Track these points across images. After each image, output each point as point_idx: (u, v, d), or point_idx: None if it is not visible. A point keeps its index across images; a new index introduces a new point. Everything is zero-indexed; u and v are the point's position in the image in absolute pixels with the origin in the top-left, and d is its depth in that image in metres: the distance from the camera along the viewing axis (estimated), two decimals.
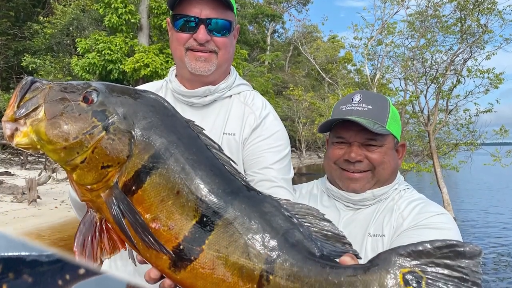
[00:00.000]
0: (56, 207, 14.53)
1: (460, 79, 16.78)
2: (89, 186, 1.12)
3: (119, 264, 1.88)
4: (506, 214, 18.16)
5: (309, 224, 1.13)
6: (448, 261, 0.96)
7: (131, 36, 21.44)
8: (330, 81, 24.72)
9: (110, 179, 1.11)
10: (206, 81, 1.91)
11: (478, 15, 15.87)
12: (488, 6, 15.68)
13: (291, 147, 2.09)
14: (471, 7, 15.77)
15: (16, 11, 28.66)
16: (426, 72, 17.34)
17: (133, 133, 1.11)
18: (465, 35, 16.32)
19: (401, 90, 19.12)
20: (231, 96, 1.99)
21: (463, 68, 16.90)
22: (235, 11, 1.93)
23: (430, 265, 0.96)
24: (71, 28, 27.07)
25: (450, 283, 0.95)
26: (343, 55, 35.41)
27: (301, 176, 28.07)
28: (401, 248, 1.00)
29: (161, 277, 1.14)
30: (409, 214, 1.73)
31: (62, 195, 15.80)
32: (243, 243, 1.07)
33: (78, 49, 21.04)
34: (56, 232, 11.99)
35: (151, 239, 1.07)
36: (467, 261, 0.95)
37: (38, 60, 24.58)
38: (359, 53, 20.05)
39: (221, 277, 1.06)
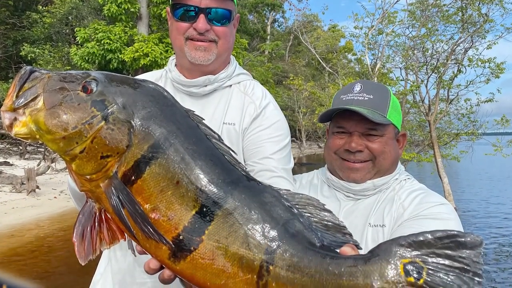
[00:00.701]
0: (55, 197, 14.57)
1: (461, 69, 16.75)
2: (88, 176, 1.11)
3: (118, 255, 1.88)
4: (507, 204, 18.17)
5: (309, 214, 1.12)
6: (449, 252, 0.95)
7: (130, 25, 21.30)
8: (331, 70, 24.62)
9: (109, 169, 1.10)
10: (205, 70, 1.90)
11: (479, 4, 15.79)
12: None
13: (291, 137, 2.08)
14: None
15: (15, 0, 28.50)
16: (427, 62, 17.30)
17: (133, 123, 1.11)
18: (466, 25, 16.25)
19: (401, 80, 19.12)
20: (231, 85, 1.98)
21: (464, 58, 16.88)
22: (235, 0, 1.92)
23: (431, 255, 0.96)
24: (70, 18, 26.96)
25: (451, 273, 0.94)
26: (343, 45, 35.27)
27: (301, 166, 28.07)
28: (401, 238, 0.99)
29: (161, 268, 1.13)
30: (409, 204, 1.72)
31: (61, 185, 15.83)
32: (243, 233, 1.06)
33: (77, 38, 20.93)
34: (55, 222, 12.04)
35: (151, 230, 1.07)
36: (468, 252, 0.95)
37: (37, 50, 24.50)
38: (360, 43, 20.02)
39: (221, 268, 1.06)
